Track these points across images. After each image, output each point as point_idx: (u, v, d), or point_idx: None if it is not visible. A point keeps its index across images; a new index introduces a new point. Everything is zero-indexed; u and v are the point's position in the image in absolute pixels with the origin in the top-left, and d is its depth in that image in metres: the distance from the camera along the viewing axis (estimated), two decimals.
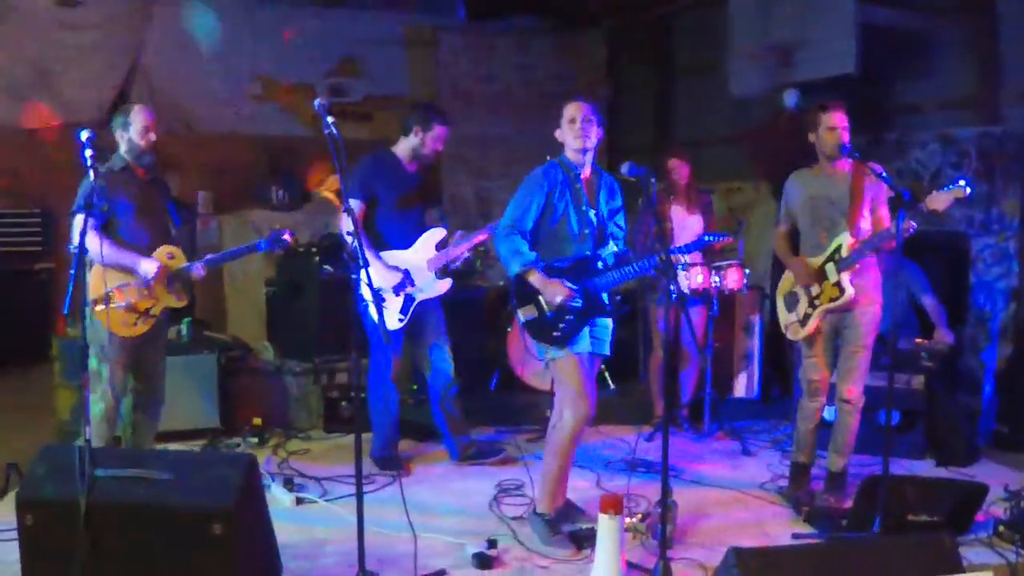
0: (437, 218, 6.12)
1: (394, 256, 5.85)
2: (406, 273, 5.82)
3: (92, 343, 4.88)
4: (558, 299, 4.64)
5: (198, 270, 5.25)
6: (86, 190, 4.83)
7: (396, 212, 5.86)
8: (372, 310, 5.78)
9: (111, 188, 4.95)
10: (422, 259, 5.89)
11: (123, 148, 5.13)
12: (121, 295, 4.98)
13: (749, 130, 9.15)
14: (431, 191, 6.09)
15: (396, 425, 6.09)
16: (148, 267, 5.04)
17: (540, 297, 4.70)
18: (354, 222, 4.17)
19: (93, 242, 4.75)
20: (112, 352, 4.99)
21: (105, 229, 4.95)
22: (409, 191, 5.91)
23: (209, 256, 5.39)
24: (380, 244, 5.84)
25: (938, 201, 4.74)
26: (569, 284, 4.69)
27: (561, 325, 4.69)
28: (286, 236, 5.51)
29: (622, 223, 5.05)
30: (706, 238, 5.27)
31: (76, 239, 4.81)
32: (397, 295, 5.80)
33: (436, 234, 5.96)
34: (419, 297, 5.88)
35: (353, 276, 4.06)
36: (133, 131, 5.08)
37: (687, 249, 5.29)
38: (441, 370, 6.07)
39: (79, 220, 4.81)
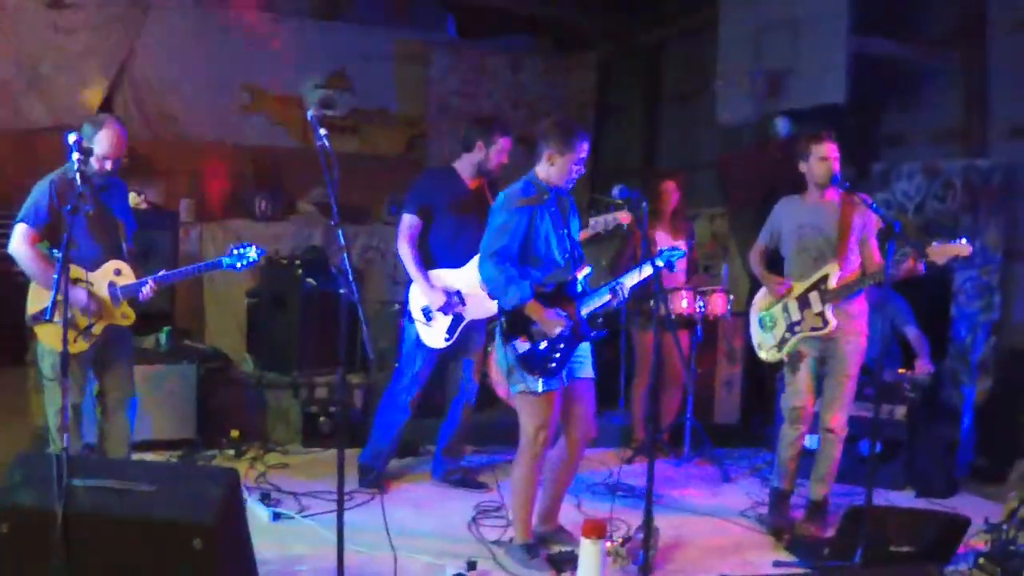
0: None
1: (445, 275, 5.73)
2: (455, 294, 5.70)
3: (40, 357, 4.81)
4: (557, 330, 4.56)
5: (145, 293, 4.90)
6: (37, 198, 4.74)
7: (452, 229, 5.72)
8: (418, 328, 5.75)
9: (61, 197, 4.68)
10: (474, 279, 5.50)
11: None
12: (58, 311, 4.54)
13: (724, 156, 9.18)
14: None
15: (395, 445, 6.04)
16: (75, 297, 4.70)
17: (532, 328, 4.57)
18: (344, 235, 4.13)
19: (35, 261, 4.72)
20: (52, 371, 4.74)
21: (52, 240, 4.74)
22: (467, 208, 5.75)
23: (162, 273, 5.01)
24: (431, 262, 5.75)
25: (938, 254, 4.78)
26: (560, 313, 4.61)
27: (556, 355, 4.59)
28: (252, 253, 5.06)
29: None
30: (664, 253, 4.93)
31: (12, 247, 4.78)
32: (446, 315, 5.69)
33: None
34: (468, 317, 5.75)
35: (342, 291, 4.00)
36: (95, 149, 4.72)
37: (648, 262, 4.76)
38: (468, 389, 6.05)
39: (22, 229, 4.75)
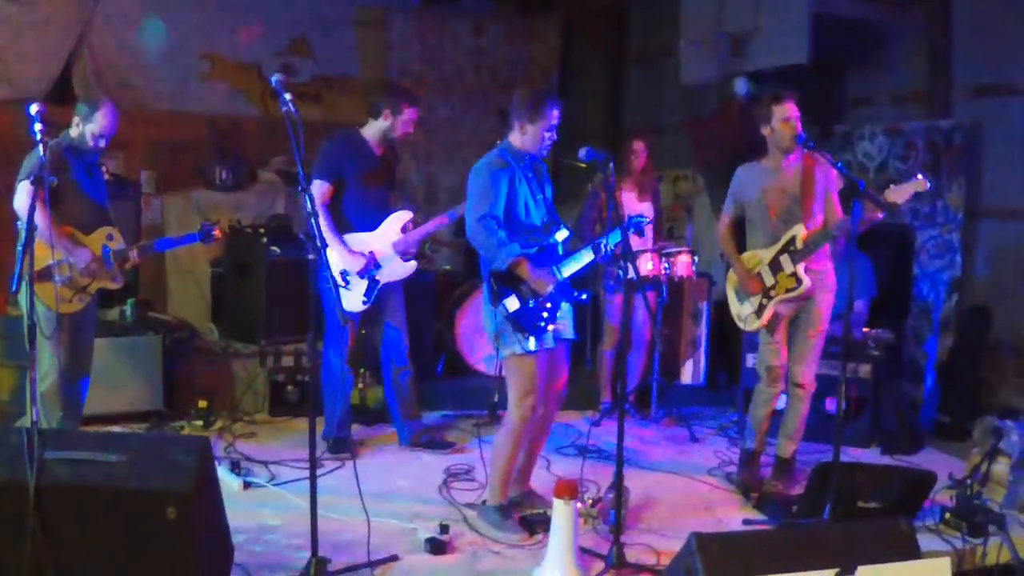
0: (401, 201, 6.09)
1: (359, 239, 5.81)
2: (371, 256, 5.78)
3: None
4: (548, 288, 4.59)
5: (133, 259, 5.31)
6: (34, 162, 4.78)
7: (363, 194, 5.81)
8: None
9: (57, 164, 4.88)
10: (387, 242, 5.85)
11: (74, 133, 5.12)
12: (60, 270, 4.93)
13: (690, 119, 9.18)
14: (395, 175, 6.03)
15: (348, 407, 6.09)
16: (80, 256, 5.05)
17: (522, 287, 4.59)
18: (311, 201, 4.14)
19: (40, 216, 4.66)
20: (47, 328, 4.91)
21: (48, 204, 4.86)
22: (376, 174, 5.87)
23: (144, 244, 5.50)
24: (345, 227, 5.79)
25: (898, 195, 4.78)
26: (549, 271, 4.66)
27: (544, 313, 4.62)
28: (215, 232, 5.62)
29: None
30: (633, 219, 5.13)
31: (17, 203, 4.88)
32: (363, 278, 5.76)
33: (401, 216, 5.91)
34: (383, 280, 5.84)
35: (311, 257, 4.00)
36: (89, 129, 5.09)
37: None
38: (396, 352, 6.06)
39: (25, 186, 4.81)
